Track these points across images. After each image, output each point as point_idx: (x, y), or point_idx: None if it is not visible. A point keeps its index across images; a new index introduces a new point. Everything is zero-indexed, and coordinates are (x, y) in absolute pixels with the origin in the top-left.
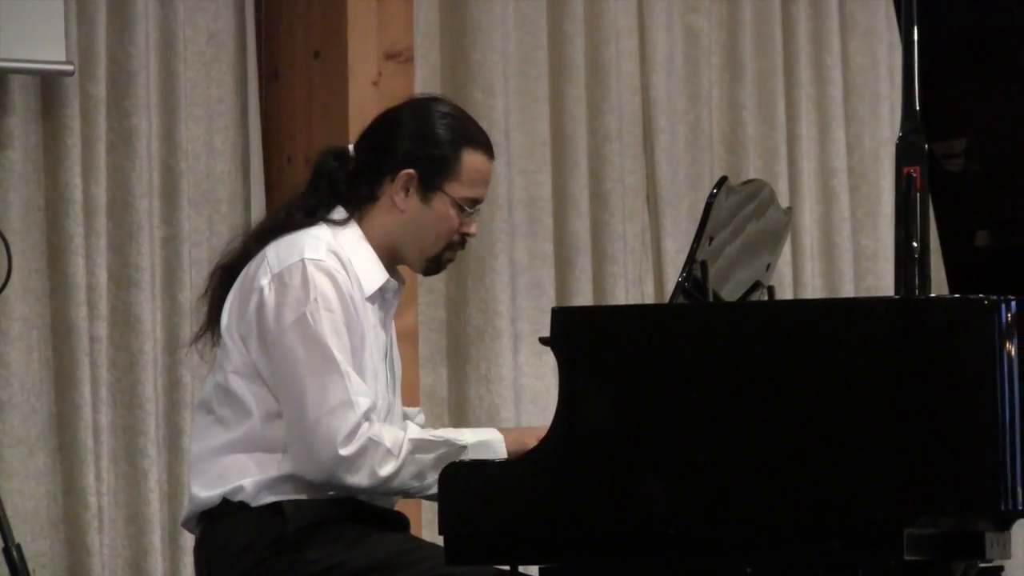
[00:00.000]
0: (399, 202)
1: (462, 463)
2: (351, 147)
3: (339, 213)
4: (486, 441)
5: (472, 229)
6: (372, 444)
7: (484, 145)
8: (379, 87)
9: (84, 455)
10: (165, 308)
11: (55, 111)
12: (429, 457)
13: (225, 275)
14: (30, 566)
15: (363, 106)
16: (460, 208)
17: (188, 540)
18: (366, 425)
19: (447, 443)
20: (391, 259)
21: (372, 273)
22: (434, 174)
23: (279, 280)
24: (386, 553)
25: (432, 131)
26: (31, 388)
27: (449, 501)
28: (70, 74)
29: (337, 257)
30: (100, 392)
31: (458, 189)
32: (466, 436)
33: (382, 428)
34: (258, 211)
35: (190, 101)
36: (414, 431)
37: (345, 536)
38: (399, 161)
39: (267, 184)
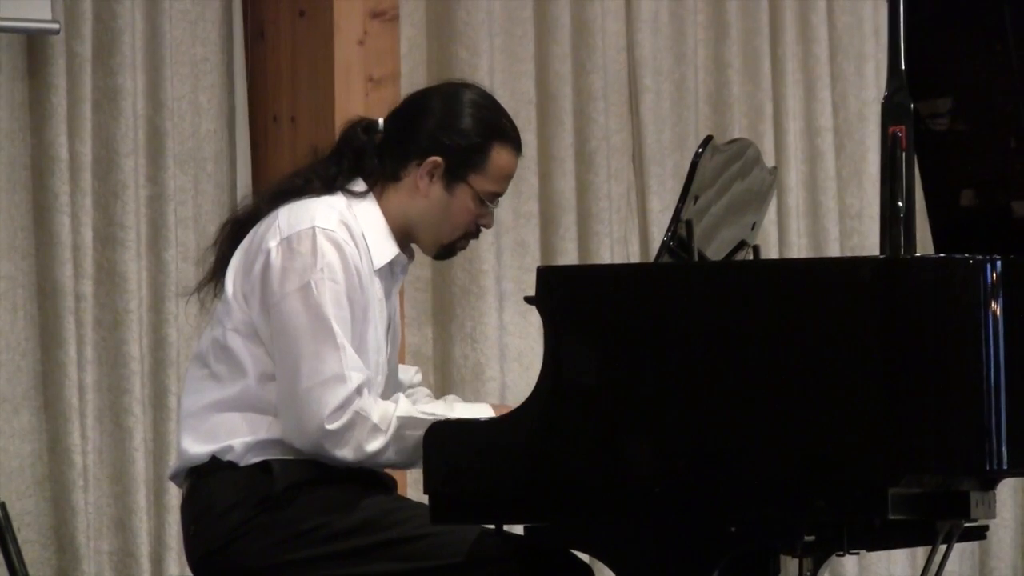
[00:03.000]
0: (422, 187)
1: (447, 422)
2: (381, 121)
3: (359, 185)
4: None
5: (489, 221)
6: (360, 419)
7: (514, 141)
8: (364, 46)
9: (69, 414)
10: (150, 267)
11: (41, 70)
12: (417, 435)
13: (235, 229)
14: (15, 525)
15: (348, 65)
16: (481, 201)
17: (173, 499)
18: (357, 400)
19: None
20: (404, 237)
21: (384, 246)
22: (461, 165)
23: (287, 244)
24: (372, 512)
25: (464, 121)
26: (16, 347)
27: (434, 460)
28: (56, 33)
29: (347, 228)
30: (85, 351)
31: (482, 183)
32: (457, 414)
33: (373, 403)
34: (244, 169)
35: (176, 59)
36: (404, 407)
37: (332, 495)
38: (428, 146)
39: (253, 143)
